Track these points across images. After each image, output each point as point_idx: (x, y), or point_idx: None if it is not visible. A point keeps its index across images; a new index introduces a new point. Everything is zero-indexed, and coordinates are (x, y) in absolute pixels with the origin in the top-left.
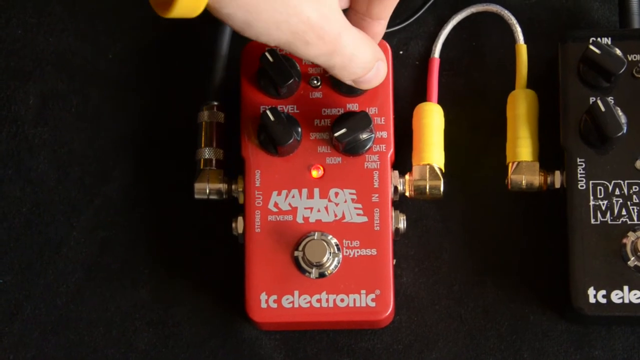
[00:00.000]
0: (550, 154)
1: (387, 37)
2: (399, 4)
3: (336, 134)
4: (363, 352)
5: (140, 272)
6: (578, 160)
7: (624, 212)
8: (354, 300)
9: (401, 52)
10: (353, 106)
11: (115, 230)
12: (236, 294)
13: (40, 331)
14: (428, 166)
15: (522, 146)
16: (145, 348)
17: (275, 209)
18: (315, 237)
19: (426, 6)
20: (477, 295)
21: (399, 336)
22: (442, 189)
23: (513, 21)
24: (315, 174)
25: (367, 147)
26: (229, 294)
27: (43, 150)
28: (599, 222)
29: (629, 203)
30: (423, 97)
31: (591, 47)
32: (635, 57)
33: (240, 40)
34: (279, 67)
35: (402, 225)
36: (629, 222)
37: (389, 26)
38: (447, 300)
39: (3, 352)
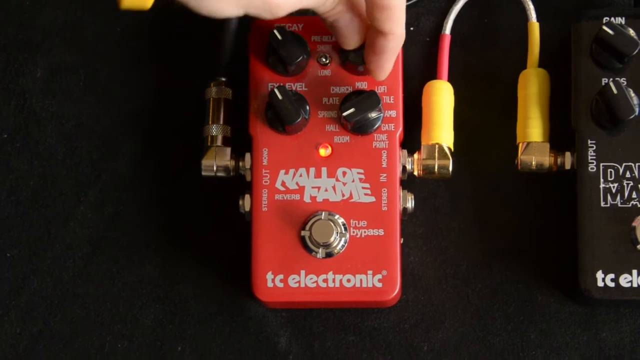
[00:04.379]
0: (561, 134)
1: None
2: None
3: (344, 114)
4: (369, 330)
5: (147, 248)
6: (589, 142)
7: (634, 195)
8: (361, 280)
9: (412, 28)
10: (362, 84)
11: (123, 205)
12: (243, 271)
13: (47, 305)
14: (437, 145)
15: (532, 127)
16: (151, 324)
17: (282, 188)
18: (323, 217)
19: None
20: (484, 275)
21: (406, 315)
22: (450, 168)
23: None
24: (323, 152)
25: (376, 126)
26: (236, 270)
27: (51, 124)
28: (608, 205)
29: (639, 186)
30: (433, 74)
31: (604, 27)
32: None
33: (249, 16)
34: (287, 45)
35: (410, 204)
36: (639, 206)
37: None
38: (455, 280)
39: (10, 325)
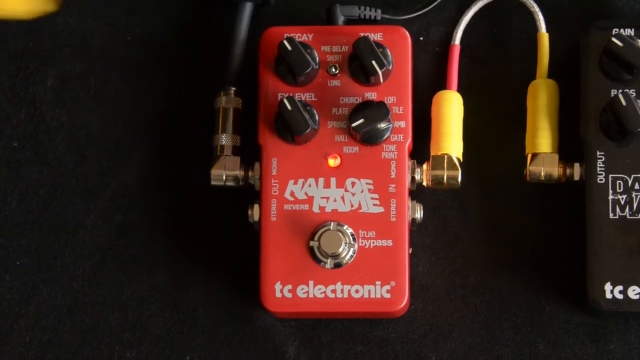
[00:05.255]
0: (570, 144)
1: (407, 22)
2: None
3: (354, 125)
4: (378, 341)
5: (156, 257)
6: (598, 153)
7: None
8: (369, 291)
9: (421, 38)
10: (371, 95)
11: (132, 214)
12: (251, 281)
13: (56, 314)
14: (446, 156)
15: (541, 137)
16: (160, 333)
17: (291, 198)
18: (331, 228)
19: None
20: (493, 286)
21: (414, 326)
22: (459, 179)
23: (535, 9)
24: (332, 163)
25: (385, 136)
26: (245, 280)
27: (61, 133)
28: (617, 217)
29: None
30: (443, 83)
31: (613, 39)
32: None
33: (259, 26)
34: (297, 55)
35: (419, 215)
36: None
37: (409, 12)
38: (463, 291)
39: (19, 334)
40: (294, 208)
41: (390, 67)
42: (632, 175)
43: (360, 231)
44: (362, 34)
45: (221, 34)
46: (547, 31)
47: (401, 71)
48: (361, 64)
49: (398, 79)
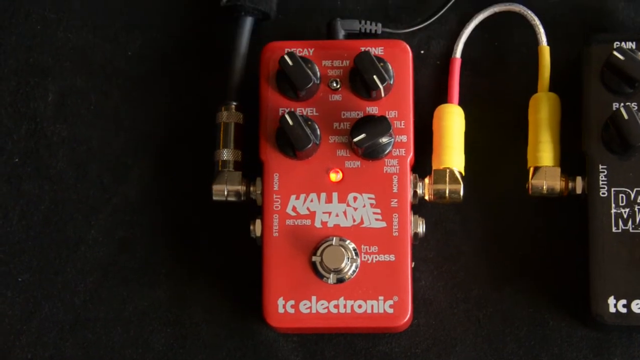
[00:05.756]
0: (572, 158)
1: (407, 36)
2: (420, 2)
3: (355, 139)
4: (381, 355)
5: (158, 272)
6: (600, 166)
7: None
8: (372, 306)
9: (422, 52)
10: (373, 109)
11: (133, 230)
12: (254, 296)
13: (58, 330)
14: (448, 170)
15: (543, 151)
16: (162, 348)
17: (293, 213)
18: (334, 243)
19: (448, 5)
20: (495, 299)
21: (417, 340)
22: (461, 193)
23: (536, 22)
24: (334, 177)
25: (387, 151)
26: (247, 295)
27: (62, 148)
28: (620, 231)
29: None
30: (444, 97)
31: (615, 52)
32: None
33: (259, 40)
34: (298, 70)
35: (421, 229)
36: None
37: (410, 25)
38: (466, 305)
39: (21, 350)
40: (296, 223)
41: (391, 82)
42: (635, 189)
43: (362, 246)
44: (363, 49)
45: (222, 48)
46: (548, 44)
47: (402, 85)
48: (362, 78)
49: (399, 93)
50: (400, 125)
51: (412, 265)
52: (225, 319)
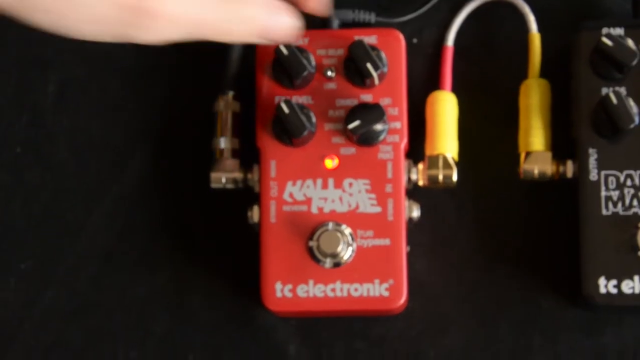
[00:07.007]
0: (563, 142)
1: (400, 25)
2: None
3: (350, 126)
4: (377, 338)
5: (158, 259)
6: (590, 150)
7: (635, 203)
8: (368, 289)
9: (415, 40)
10: (367, 97)
11: (134, 217)
12: (252, 281)
13: (60, 317)
14: (441, 156)
15: (534, 136)
16: (162, 333)
17: (290, 199)
18: (330, 228)
19: None
20: (489, 282)
21: (412, 322)
22: (454, 178)
23: (526, 10)
24: (329, 164)
25: (381, 138)
26: (245, 280)
27: (62, 138)
28: (610, 213)
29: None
30: (437, 84)
31: (604, 39)
32: None
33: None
34: (293, 59)
35: (416, 214)
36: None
37: (402, 14)
38: (460, 287)
39: (23, 337)
40: (292, 209)
41: (385, 70)
42: (624, 172)
43: (358, 231)
44: (357, 38)
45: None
46: (539, 32)
47: (396, 73)
48: (357, 67)
49: (393, 81)
50: (394, 112)
51: (408, 250)
52: (224, 305)
